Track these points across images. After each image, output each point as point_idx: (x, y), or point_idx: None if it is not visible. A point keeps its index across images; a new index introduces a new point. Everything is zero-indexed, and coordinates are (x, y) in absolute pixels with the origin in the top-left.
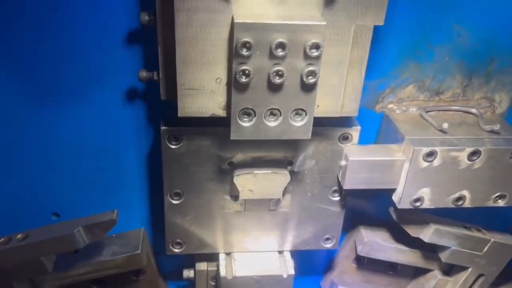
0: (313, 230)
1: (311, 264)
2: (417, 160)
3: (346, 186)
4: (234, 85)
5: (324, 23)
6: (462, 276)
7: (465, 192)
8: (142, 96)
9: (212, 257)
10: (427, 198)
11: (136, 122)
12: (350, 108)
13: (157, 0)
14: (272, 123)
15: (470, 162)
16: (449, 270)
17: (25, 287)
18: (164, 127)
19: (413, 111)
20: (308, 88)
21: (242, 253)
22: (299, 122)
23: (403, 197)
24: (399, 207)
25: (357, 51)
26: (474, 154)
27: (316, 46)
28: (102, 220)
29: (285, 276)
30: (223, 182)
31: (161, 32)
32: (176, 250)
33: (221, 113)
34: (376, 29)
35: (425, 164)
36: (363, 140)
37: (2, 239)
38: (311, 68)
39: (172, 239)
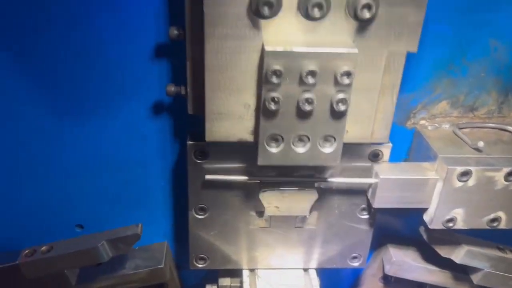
0: (340, 248)
1: (337, 282)
2: (451, 180)
3: (376, 205)
4: (262, 111)
5: (356, 51)
6: None
7: (501, 214)
8: (168, 110)
9: (236, 273)
10: (460, 219)
11: (162, 136)
12: (381, 135)
13: (186, 14)
14: (300, 149)
15: (507, 183)
16: None
17: None
18: (190, 142)
19: (446, 127)
20: (338, 115)
21: (266, 270)
22: (327, 149)
23: (435, 217)
24: (430, 227)
25: (389, 77)
26: (511, 174)
27: (348, 74)
28: (126, 234)
29: None
30: (249, 198)
31: (189, 47)
32: (200, 265)
33: (249, 138)
34: None
35: (459, 184)
36: (393, 157)
37: (27, 251)
38: (341, 95)
39: (196, 254)
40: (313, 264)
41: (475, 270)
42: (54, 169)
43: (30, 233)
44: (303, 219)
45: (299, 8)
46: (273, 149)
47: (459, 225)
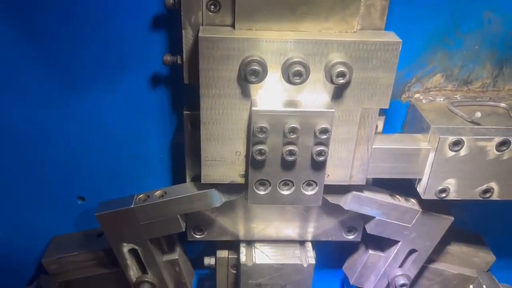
0: (335, 221)
1: (334, 256)
2: (442, 149)
3: (370, 174)
4: (251, 161)
5: (333, 110)
6: (393, 250)
7: (493, 184)
8: (166, 81)
9: (233, 246)
10: (453, 189)
11: (160, 107)
12: (358, 178)
13: None
14: (285, 192)
15: (498, 153)
16: (379, 244)
17: (156, 246)
18: (187, 112)
19: (440, 101)
20: (318, 165)
21: (263, 242)
22: (310, 192)
23: (428, 188)
24: (423, 197)
25: (364, 130)
26: (503, 144)
27: (325, 131)
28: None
29: (305, 265)
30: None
31: (185, 15)
32: (197, 236)
33: (240, 180)
34: (403, 15)
35: (451, 153)
36: (388, 130)
37: (140, 196)
38: (320, 148)
39: (193, 225)
40: (309, 236)
41: (368, 218)
42: (56, 142)
43: (32, 205)
44: None
45: (282, 75)
46: (261, 192)
47: (452, 195)
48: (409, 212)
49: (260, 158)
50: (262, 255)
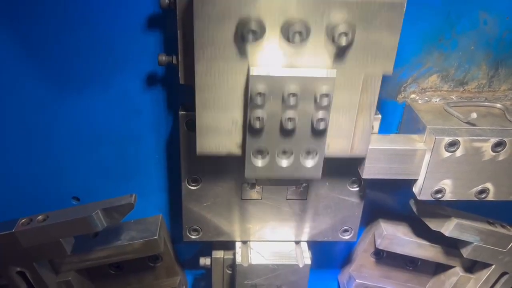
0: (331, 221)
1: (330, 257)
2: (438, 150)
3: (365, 175)
4: (248, 129)
5: (334, 75)
6: (485, 273)
7: (489, 185)
8: (161, 81)
9: (229, 246)
10: (449, 190)
11: (155, 108)
12: (360, 149)
13: None
14: (284, 162)
15: (494, 154)
16: (472, 267)
17: (45, 268)
18: (182, 112)
19: (436, 101)
20: (318, 133)
21: (259, 242)
22: (310, 162)
23: (424, 188)
24: (419, 198)
25: (366, 97)
26: (499, 145)
27: (326, 96)
28: (120, 204)
29: (301, 265)
30: (241, 169)
31: (180, 16)
32: (193, 237)
33: (237, 151)
34: None
35: (447, 154)
36: (384, 131)
37: (23, 220)
38: (321, 115)
39: (189, 225)
40: (305, 236)
41: (465, 243)
42: (50, 142)
43: (27, 204)
44: (295, 191)
45: (282, 33)
46: (259, 163)
47: (448, 196)
48: (506, 238)
49: (258, 126)
50: (257, 256)
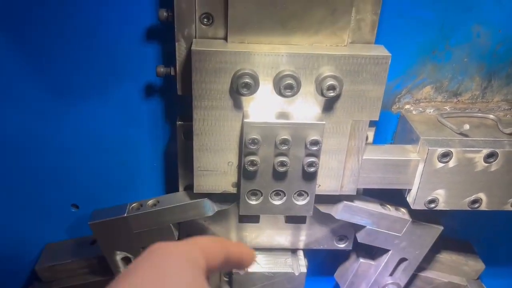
0: (326, 229)
1: (326, 264)
2: (431, 161)
3: (360, 185)
4: (243, 172)
5: (323, 122)
6: (384, 259)
7: (482, 195)
8: (159, 92)
9: None
10: (442, 200)
11: (153, 118)
12: (349, 188)
13: None
14: (277, 202)
15: (486, 164)
16: (371, 253)
17: None
18: (180, 122)
19: (430, 112)
20: (308, 175)
21: (255, 250)
22: (301, 202)
23: (418, 198)
24: (413, 208)
25: (354, 142)
26: (491, 156)
27: (316, 142)
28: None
29: (296, 274)
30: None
31: (178, 28)
32: None
33: (232, 190)
34: (393, 27)
35: (440, 165)
36: (379, 141)
37: (134, 205)
38: (311, 159)
39: (186, 233)
40: (301, 244)
41: (359, 227)
42: (50, 150)
43: (26, 213)
44: None
45: (274, 87)
46: (253, 202)
47: (441, 206)
48: (399, 221)
49: (252, 168)
50: (254, 264)
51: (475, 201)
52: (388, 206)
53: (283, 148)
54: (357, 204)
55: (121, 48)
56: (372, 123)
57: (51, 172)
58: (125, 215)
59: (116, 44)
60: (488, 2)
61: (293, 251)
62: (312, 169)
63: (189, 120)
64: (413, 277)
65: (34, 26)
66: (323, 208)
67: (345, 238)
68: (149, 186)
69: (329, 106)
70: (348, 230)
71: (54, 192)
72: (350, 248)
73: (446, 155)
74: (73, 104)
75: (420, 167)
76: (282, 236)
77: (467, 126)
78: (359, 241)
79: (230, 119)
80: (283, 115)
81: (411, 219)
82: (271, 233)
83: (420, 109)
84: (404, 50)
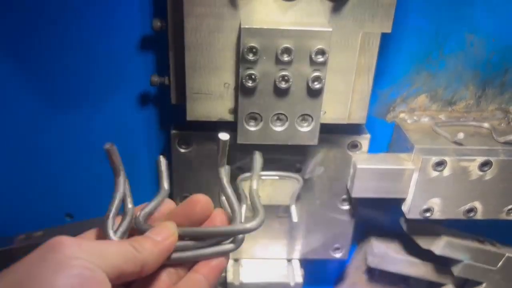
0: (322, 239)
1: (322, 274)
2: (426, 170)
3: (354, 194)
4: (241, 89)
5: (330, 29)
6: None
7: (477, 204)
8: (153, 101)
9: None
10: (437, 209)
11: (148, 127)
12: (358, 116)
13: (168, 6)
14: (278, 128)
15: (481, 173)
16: (463, 284)
17: None
18: (174, 131)
19: (425, 121)
20: (314, 93)
21: (250, 260)
22: (305, 128)
23: (412, 207)
24: (408, 217)
25: (365, 59)
26: (485, 164)
27: (322, 52)
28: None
29: (292, 284)
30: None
31: (172, 38)
32: None
33: (229, 117)
34: (387, 36)
35: (435, 173)
36: (374, 150)
37: (22, 236)
38: (316, 73)
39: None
40: (296, 254)
41: (455, 262)
42: (44, 160)
43: (20, 221)
44: (285, 209)
45: None
46: (252, 128)
47: (436, 215)
48: (496, 256)
49: (250, 85)
50: (249, 274)
51: (470, 210)
52: (484, 240)
53: (285, 59)
54: (458, 241)
55: (115, 57)
56: (367, 132)
57: (45, 181)
58: (12, 246)
59: (110, 54)
60: (481, 11)
61: (289, 261)
62: (317, 86)
63: (184, 129)
64: None
65: (28, 36)
66: (423, 244)
67: (341, 248)
68: (144, 195)
69: (336, 14)
70: (343, 240)
71: (48, 201)
72: (346, 258)
73: (440, 164)
74: (67, 113)
75: (415, 176)
76: (277, 246)
77: (461, 135)
78: (455, 275)
79: (226, 29)
80: (285, 23)
81: (507, 254)
82: (266, 242)
83: (415, 118)
84: (399, 58)
